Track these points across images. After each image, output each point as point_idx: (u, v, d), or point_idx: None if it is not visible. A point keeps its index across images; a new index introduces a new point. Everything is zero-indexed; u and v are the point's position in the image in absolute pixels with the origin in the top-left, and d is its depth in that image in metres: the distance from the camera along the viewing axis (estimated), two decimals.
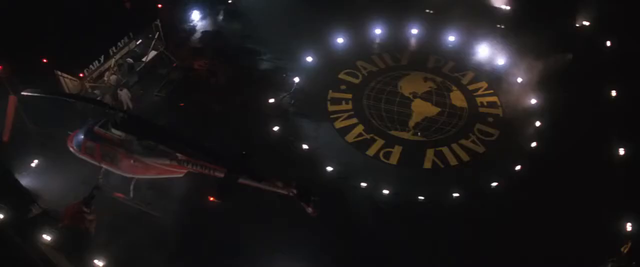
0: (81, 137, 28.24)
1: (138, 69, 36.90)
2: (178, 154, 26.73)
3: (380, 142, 34.58)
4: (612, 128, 33.57)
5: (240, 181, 25.57)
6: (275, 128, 34.38)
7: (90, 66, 35.04)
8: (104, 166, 28.12)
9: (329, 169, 32.32)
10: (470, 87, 38.22)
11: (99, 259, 26.09)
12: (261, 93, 36.57)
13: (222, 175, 25.75)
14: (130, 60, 36.71)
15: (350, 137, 34.86)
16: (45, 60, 34.22)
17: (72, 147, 28.86)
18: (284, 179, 25.51)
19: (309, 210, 25.28)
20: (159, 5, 40.38)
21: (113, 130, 27.10)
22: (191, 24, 42.30)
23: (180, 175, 27.80)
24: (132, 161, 27.19)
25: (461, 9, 41.22)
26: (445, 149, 34.24)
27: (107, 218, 27.76)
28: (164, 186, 29.21)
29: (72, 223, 26.60)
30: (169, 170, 27.32)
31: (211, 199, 25.26)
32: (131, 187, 28.30)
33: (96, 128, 27.78)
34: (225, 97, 36.36)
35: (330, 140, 34.75)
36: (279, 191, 25.53)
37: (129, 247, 27.33)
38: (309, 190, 25.23)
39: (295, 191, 25.21)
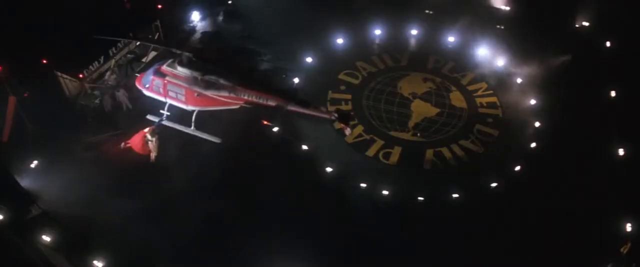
0: (150, 76, 31.78)
1: (137, 69, 36.83)
2: (236, 87, 30.51)
3: (379, 143, 34.58)
4: (612, 128, 33.53)
5: (290, 107, 30.23)
6: (275, 128, 34.36)
7: (90, 67, 35.07)
8: (169, 101, 31.66)
9: (329, 169, 32.30)
10: (470, 88, 38.22)
11: (98, 260, 26.14)
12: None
13: (274, 103, 30.19)
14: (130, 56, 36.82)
15: (350, 138, 34.85)
16: (45, 61, 34.24)
17: (141, 86, 32.40)
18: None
19: (347, 131, 31.23)
20: (159, 6, 40.39)
21: (179, 68, 30.76)
22: (191, 25, 42.29)
23: (236, 106, 31.26)
24: (195, 95, 30.78)
25: (461, 9, 41.24)
26: (444, 150, 34.21)
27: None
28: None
29: (139, 148, 30.80)
30: (227, 102, 31.03)
31: (265, 122, 31.48)
32: (193, 118, 31.73)
33: (163, 67, 31.37)
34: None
35: (330, 140, 34.74)
36: (323, 115, 30.56)
37: (128, 248, 27.43)
38: (347, 115, 30.99)
39: (336, 115, 30.32)
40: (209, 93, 30.85)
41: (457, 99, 37.41)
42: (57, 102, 34.27)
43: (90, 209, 29.02)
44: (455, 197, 31.15)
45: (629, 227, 28.63)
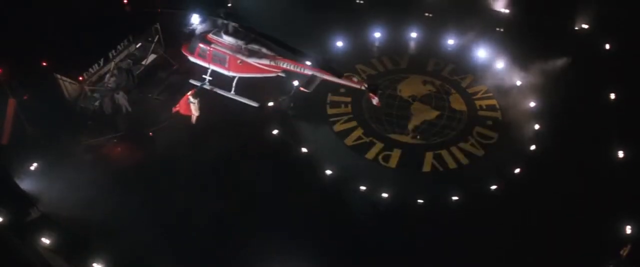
0: (196, 43, 34.36)
1: (137, 72, 36.85)
2: (276, 56, 33.46)
3: (379, 146, 34.58)
4: (612, 131, 33.54)
5: (324, 77, 32.79)
6: (274, 131, 34.38)
7: (90, 69, 35.08)
8: (214, 67, 34.28)
9: (328, 172, 32.30)
10: (470, 91, 38.22)
11: (98, 262, 26.14)
12: (260, 96, 36.55)
13: (309, 72, 32.95)
14: (129, 61, 36.79)
15: (350, 141, 34.87)
16: (44, 64, 34.25)
17: (187, 52, 34.98)
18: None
19: (375, 101, 32.63)
20: (159, 9, 40.34)
21: (224, 36, 33.61)
22: (191, 28, 42.27)
23: (274, 74, 34.21)
24: (238, 62, 33.42)
25: (460, 12, 41.25)
26: (444, 152, 34.22)
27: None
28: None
29: (184, 110, 33.51)
30: (267, 69, 33.86)
31: (301, 89, 33.58)
32: (233, 84, 34.58)
33: (210, 35, 34.20)
34: (225, 100, 36.34)
35: (329, 143, 34.75)
36: (353, 85, 33.05)
37: (127, 251, 27.44)
38: (377, 85, 32.85)
39: (366, 85, 32.29)
40: (251, 61, 33.60)
41: (456, 101, 37.40)
42: (57, 105, 34.30)
43: (89, 212, 29.03)
44: (455, 200, 31.12)
45: (629, 230, 28.61)
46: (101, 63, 35.52)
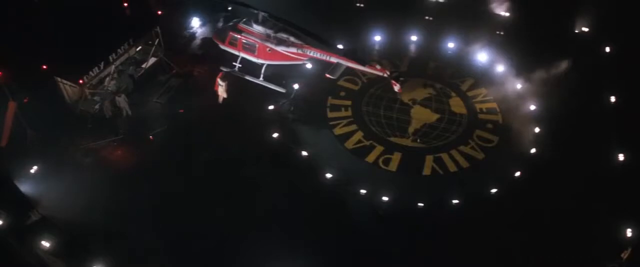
0: (228, 32, 35.85)
1: (137, 75, 36.87)
2: (304, 45, 34.73)
3: (379, 149, 34.56)
4: (612, 134, 33.53)
5: (349, 65, 34.21)
6: (275, 135, 34.38)
7: (90, 73, 35.10)
8: (243, 55, 35.70)
9: (329, 175, 32.28)
10: (470, 94, 38.23)
11: (97, 265, 26.13)
12: (260, 100, 36.58)
13: (335, 60, 34.28)
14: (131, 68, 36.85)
15: (350, 144, 34.85)
16: (44, 67, 34.28)
17: (217, 40, 36.48)
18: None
19: (397, 88, 33.81)
20: (159, 12, 40.46)
21: (255, 26, 34.91)
22: (191, 31, 42.36)
23: (301, 62, 35.62)
24: (267, 50, 34.92)
25: (460, 15, 41.28)
26: (444, 156, 34.20)
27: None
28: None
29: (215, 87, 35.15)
30: (295, 57, 35.24)
31: (327, 76, 34.48)
32: (262, 71, 35.89)
33: (240, 24, 35.48)
34: (225, 103, 36.39)
35: (330, 146, 34.73)
36: (377, 72, 33.97)
37: (127, 254, 27.43)
38: (400, 73, 34.12)
39: (389, 73, 33.55)
40: (279, 49, 34.89)
41: (456, 104, 37.40)
42: (57, 108, 34.32)
43: (89, 215, 29.06)
44: (455, 203, 31.08)
45: (629, 233, 28.57)
46: (101, 66, 35.53)
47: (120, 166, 32.66)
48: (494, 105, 37.46)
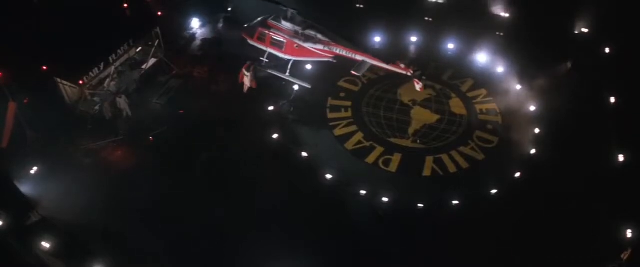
0: (257, 27, 36.29)
1: (138, 76, 36.89)
2: (331, 42, 35.10)
3: (379, 150, 34.56)
4: (612, 135, 33.53)
5: (373, 63, 34.49)
6: (275, 135, 34.37)
7: (90, 73, 35.11)
8: (271, 50, 36.18)
9: (329, 176, 32.27)
10: (470, 95, 38.21)
11: (96, 266, 26.15)
12: (261, 101, 36.59)
13: (360, 58, 34.64)
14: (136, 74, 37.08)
15: (350, 145, 34.86)
16: (45, 68, 34.29)
17: (246, 36, 36.88)
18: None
19: (419, 86, 33.94)
20: (159, 13, 40.47)
21: (283, 22, 35.47)
22: (191, 32, 42.37)
23: (327, 59, 35.80)
24: (295, 46, 35.46)
25: (460, 17, 41.27)
26: (445, 157, 34.20)
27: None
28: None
29: (241, 79, 36.38)
30: (321, 54, 35.63)
31: (353, 72, 35.05)
32: (289, 66, 36.53)
33: (269, 20, 36.02)
34: (225, 104, 36.44)
35: (330, 147, 34.73)
36: (400, 71, 33.91)
37: (126, 255, 27.44)
38: (422, 72, 33.88)
39: (412, 71, 33.42)
40: (307, 46, 35.45)
41: (456, 105, 37.40)
42: (57, 109, 34.32)
43: (89, 215, 29.05)
44: (455, 204, 31.08)
45: (629, 234, 28.56)
46: (101, 67, 35.54)
47: (120, 167, 32.67)
48: (494, 106, 37.45)
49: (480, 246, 28.46)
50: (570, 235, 28.68)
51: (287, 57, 36.35)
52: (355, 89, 38.39)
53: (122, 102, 35.02)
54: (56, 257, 27.04)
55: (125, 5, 39.70)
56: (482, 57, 39.87)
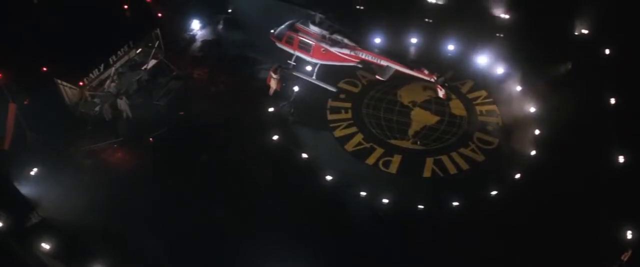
0: (285, 30, 36.61)
1: (138, 77, 36.91)
2: (357, 47, 35.66)
3: (379, 151, 34.57)
4: (612, 136, 33.51)
5: (397, 68, 35.04)
6: (275, 137, 34.39)
7: (90, 75, 35.13)
8: (298, 53, 36.56)
9: (328, 177, 32.28)
10: (470, 96, 38.22)
11: None
12: (261, 102, 36.61)
13: (385, 63, 35.23)
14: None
15: (350, 146, 34.87)
16: (45, 69, 34.29)
17: (274, 39, 37.16)
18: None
19: (441, 93, 34.83)
20: (159, 14, 40.50)
21: (312, 26, 35.99)
22: (191, 33, 42.41)
23: (353, 63, 36.34)
24: (322, 50, 35.78)
25: (460, 17, 41.28)
26: (445, 158, 34.21)
27: None
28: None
29: (268, 81, 36.88)
30: (347, 58, 36.05)
31: (377, 77, 35.65)
32: (315, 69, 36.85)
33: (298, 24, 36.59)
34: (225, 105, 36.46)
35: (330, 149, 34.74)
36: (424, 77, 34.56)
37: (127, 256, 27.44)
38: (445, 79, 34.94)
39: (435, 78, 34.08)
40: (333, 50, 35.77)
41: (456, 107, 37.40)
42: (57, 110, 34.33)
43: (89, 217, 29.05)
44: (455, 205, 31.08)
45: (629, 235, 28.56)
46: (101, 68, 35.55)
47: (121, 168, 32.68)
48: (494, 107, 37.46)
49: (480, 246, 28.43)
50: (570, 236, 28.66)
51: (314, 60, 36.68)
52: (356, 90, 38.39)
53: (122, 103, 35.05)
54: (56, 258, 27.02)
55: (126, 6, 39.69)
56: (482, 59, 39.84)
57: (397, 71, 35.34)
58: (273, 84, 36.66)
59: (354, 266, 28.46)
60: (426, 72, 34.42)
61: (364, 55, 35.64)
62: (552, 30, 39.46)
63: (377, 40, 38.81)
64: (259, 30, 41.20)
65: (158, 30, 37.75)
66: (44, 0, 35.89)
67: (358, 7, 44.07)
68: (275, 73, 36.32)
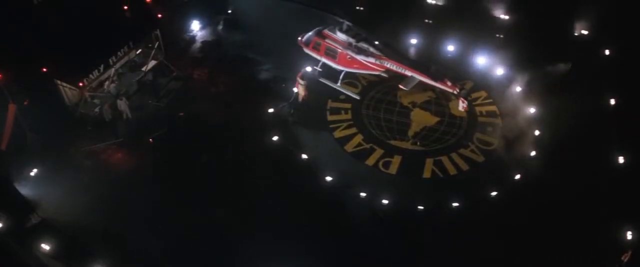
0: (312, 36, 36.90)
1: (138, 78, 36.92)
2: (382, 56, 35.84)
3: (379, 152, 34.57)
4: (612, 136, 33.48)
5: (421, 79, 35.27)
6: (275, 137, 34.38)
7: (90, 75, 35.13)
8: (324, 60, 36.79)
9: (328, 178, 32.27)
10: (470, 97, 38.13)
11: None
12: (261, 103, 36.61)
13: (410, 74, 35.43)
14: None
15: (350, 147, 34.87)
16: (44, 69, 34.28)
17: (302, 44, 37.49)
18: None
19: (461, 106, 34.97)
20: (159, 15, 40.49)
21: (339, 33, 36.32)
22: (191, 34, 42.43)
23: (378, 72, 36.55)
24: (347, 57, 35.96)
25: (460, 18, 41.27)
26: (444, 159, 34.20)
27: None
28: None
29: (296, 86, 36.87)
30: (372, 67, 36.29)
31: (400, 87, 35.73)
32: (341, 77, 36.98)
33: (325, 31, 36.94)
34: (225, 106, 36.46)
35: (330, 149, 34.74)
36: (447, 89, 34.98)
37: (127, 256, 27.43)
38: (468, 92, 35.40)
39: (458, 90, 34.51)
40: (359, 58, 36.04)
41: (456, 107, 37.31)
42: (57, 111, 34.33)
43: (89, 217, 29.07)
44: (455, 206, 31.07)
45: (629, 235, 28.54)
46: (101, 69, 35.55)
47: (120, 169, 32.72)
48: (494, 108, 37.44)
49: (480, 247, 28.41)
50: (570, 236, 28.63)
51: (339, 67, 36.85)
52: (356, 91, 38.37)
53: (122, 104, 35.07)
54: (56, 259, 27.01)
55: (126, 7, 39.67)
56: (481, 59, 39.82)
57: (421, 82, 35.76)
58: (301, 91, 36.67)
59: (354, 266, 28.40)
60: (449, 83, 34.83)
61: (389, 65, 35.82)
62: (552, 31, 39.46)
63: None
64: (258, 30, 41.36)
65: (158, 31, 37.75)
66: (44, 0, 35.78)
67: (358, 7, 44.01)
68: (302, 79, 36.39)
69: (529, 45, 38.93)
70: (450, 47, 40.97)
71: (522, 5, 41.21)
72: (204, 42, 41.92)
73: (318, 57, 37.13)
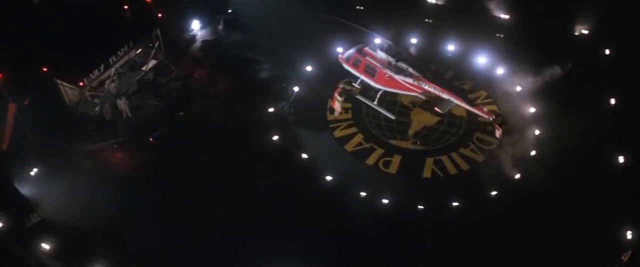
0: (353, 53, 36.91)
1: (138, 77, 36.93)
2: (421, 78, 35.12)
3: (379, 151, 34.57)
4: (612, 136, 33.49)
5: (458, 102, 34.67)
6: (275, 137, 34.38)
7: (90, 75, 35.13)
8: (363, 77, 36.64)
9: (328, 178, 32.27)
10: (470, 96, 38.10)
11: None
12: (261, 102, 36.61)
13: (446, 97, 34.72)
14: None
15: (350, 146, 34.86)
16: (45, 69, 34.28)
17: (342, 60, 37.44)
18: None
19: (498, 133, 34.09)
20: (159, 15, 40.49)
21: (379, 52, 36.06)
22: (191, 34, 42.42)
23: (415, 94, 35.95)
24: (386, 76, 35.62)
25: (460, 18, 41.27)
26: (445, 158, 34.20)
27: None
28: None
29: (333, 103, 36.73)
30: (410, 88, 35.68)
31: (436, 109, 35.06)
32: (378, 95, 36.57)
33: (366, 48, 36.76)
34: (225, 106, 36.46)
35: (330, 149, 34.74)
36: (483, 115, 34.33)
37: (127, 256, 27.43)
38: (504, 120, 34.04)
39: (494, 117, 33.93)
40: (397, 77, 35.50)
41: (457, 107, 37.27)
42: (57, 110, 34.34)
43: (89, 217, 29.08)
44: (455, 206, 31.07)
45: (629, 235, 28.55)
46: (101, 69, 35.55)
47: (120, 168, 32.71)
48: (494, 107, 37.41)
49: (480, 247, 28.45)
50: (570, 236, 28.65)
51: (377, 86, 36.43)
52: (356, 91, 38.32)
53: (122, 103, 35.08)
54: (56, 258, 27.03)
55: (126, 6, 39.67)
56: (482, 59, 39.81)
57: (457, 105, 35.16)
58: (337, 107, 36.48)
59: (354, 266, 28.40)
60: (485, 110, 34.42)
61: (427, 86, 35.12)
62: (552, 31, 39.48)
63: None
64: (258, 30, 41.31)
65: (158, 31, 37.75)
66: (44, 0, 35.79)
67: (358, 7, 44.02)
68: (340, 95, 36.27)
69: (529, 45, 38.94)
70: (451, 47, 40.98)
71: (522, 5, 41.19)
72: (204, 42, 41.91)
73: (357, 74, 36.95)
